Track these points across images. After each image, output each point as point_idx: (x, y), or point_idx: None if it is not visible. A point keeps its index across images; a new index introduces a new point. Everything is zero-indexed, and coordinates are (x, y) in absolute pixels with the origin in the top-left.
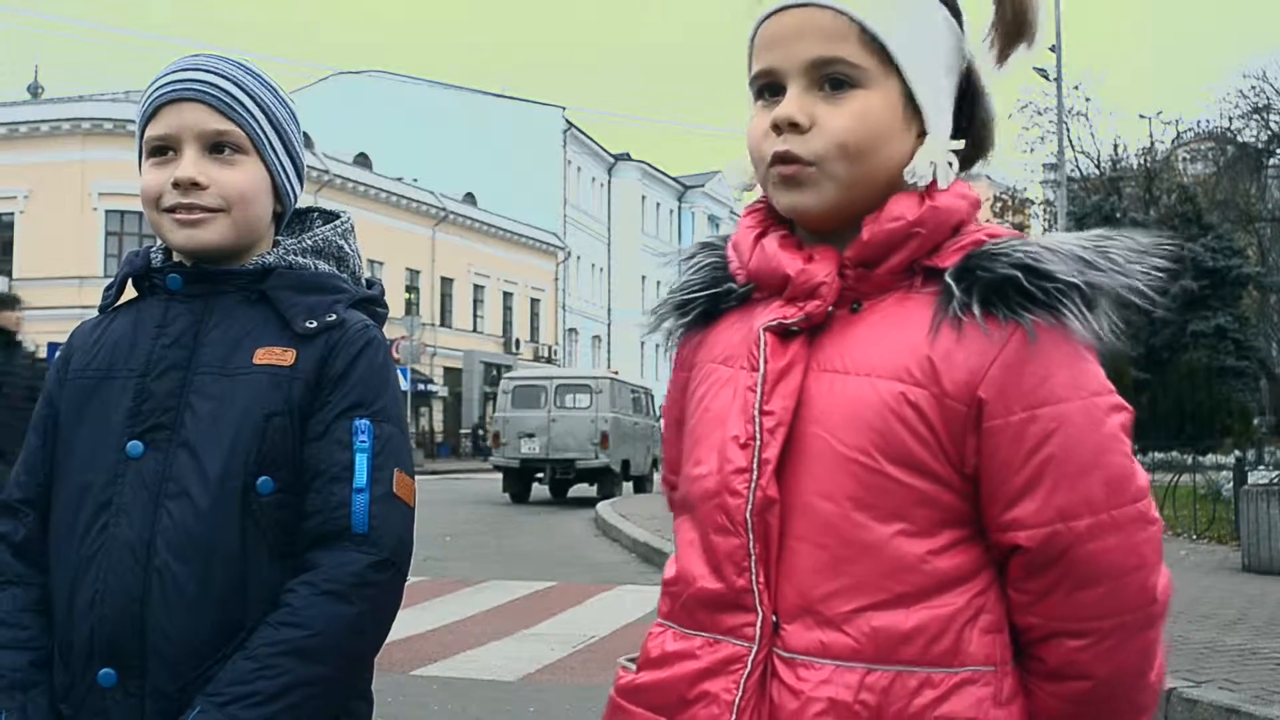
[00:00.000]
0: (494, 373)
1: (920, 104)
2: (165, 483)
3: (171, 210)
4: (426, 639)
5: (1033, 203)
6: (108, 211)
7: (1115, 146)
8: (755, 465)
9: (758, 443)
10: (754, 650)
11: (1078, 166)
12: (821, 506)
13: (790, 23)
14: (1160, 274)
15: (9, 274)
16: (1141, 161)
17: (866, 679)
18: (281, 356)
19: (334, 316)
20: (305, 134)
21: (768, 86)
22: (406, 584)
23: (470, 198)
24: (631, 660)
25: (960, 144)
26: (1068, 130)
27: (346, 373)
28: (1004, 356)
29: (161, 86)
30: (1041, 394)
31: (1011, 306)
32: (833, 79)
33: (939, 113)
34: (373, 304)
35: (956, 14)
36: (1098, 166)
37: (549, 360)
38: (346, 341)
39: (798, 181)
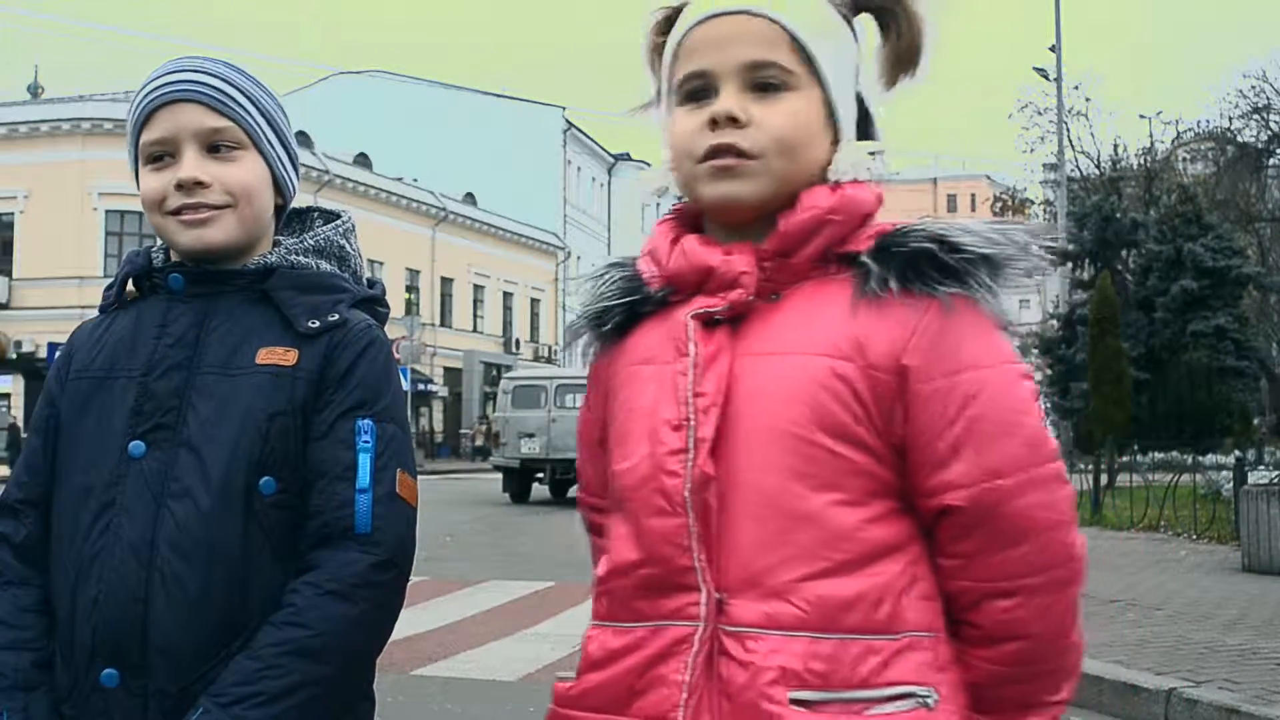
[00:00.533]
0: (494, 373)
1: (837, 113)
2: (168, 483)
3: (176, 212)
4: (427, 639)
5: (1033, 203)
6: (107, 211)
7: (1115, 146)
8: (691, 445)
9: (692, 423)
10: (700, 628)
11: (1078, 166)
12: (759, 480)
13: (725, 28)
14: (1052, 257)
15: (9, 274)
16: (1141, 161)
17: (813, 647)
18: (284, 356)
19: (336, 316)
20: (304, 134)
21: (698, 89)
22: (407, 584)
23: (470, 198)
24: (567, 676)
25: (876, 145)
26: (1068, 130)
27: (349, 373)
28: (923, 327)
29: (153, 90)
30: (961, 360)
31: (926, 281)
32: (765, 82)
33: (849, 124)
34: (374, 304)
35: (854, 39)
36: (1098, 166)
37: (549, 360)
38: (349, 341)
39: (736, 173)
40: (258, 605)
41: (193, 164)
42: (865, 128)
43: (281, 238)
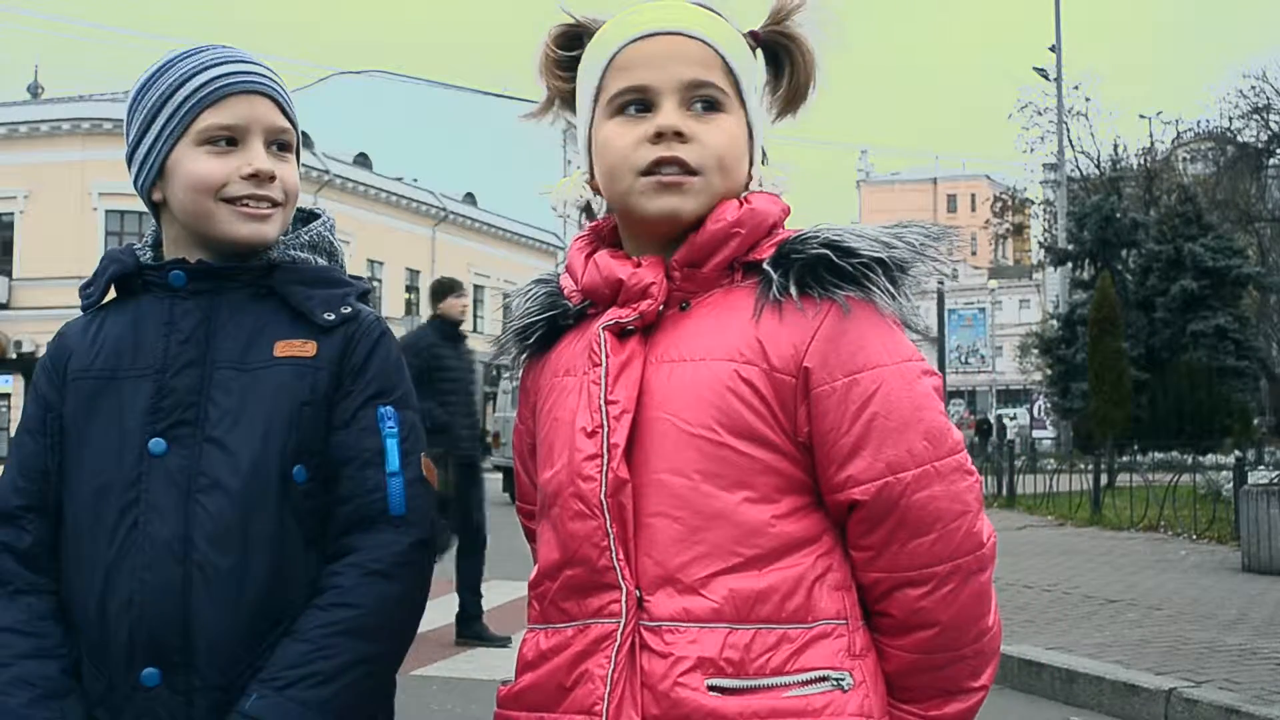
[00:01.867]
0: (494, 373)
1: (755, 135)
2: (195, 478)
3: (236, 201)
4: (427, 639)
5: (1033, 203)
6: (108, 211)
7: (1115, 146)
8: (605, 450)
9: (605, 430)
10: (621, 624)
11: (1078, 166)
12: (672, 482)
13: (663, 47)
14: (950, 258)
15: (9, 274)
16: (1141, 161)
17: (729, 638)
18: (302, 348)
19: (349, 309)
20: (305, 134)
21: (636, 102)
22: None
23: (470, 198)
24: (509, 680)
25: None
26: (1068, 130)
27: (367, 363)
28: (823, 330)
29: (225, 76)
30: (860, 360)
31: (824, 285)
32: (704, 100)
33: (758, 149)
34: (366, 298)
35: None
36: (1098, 166)
37: None
38: (363, 333)
39: (681, 189)
40: (295, 593)
41: (263, 158)
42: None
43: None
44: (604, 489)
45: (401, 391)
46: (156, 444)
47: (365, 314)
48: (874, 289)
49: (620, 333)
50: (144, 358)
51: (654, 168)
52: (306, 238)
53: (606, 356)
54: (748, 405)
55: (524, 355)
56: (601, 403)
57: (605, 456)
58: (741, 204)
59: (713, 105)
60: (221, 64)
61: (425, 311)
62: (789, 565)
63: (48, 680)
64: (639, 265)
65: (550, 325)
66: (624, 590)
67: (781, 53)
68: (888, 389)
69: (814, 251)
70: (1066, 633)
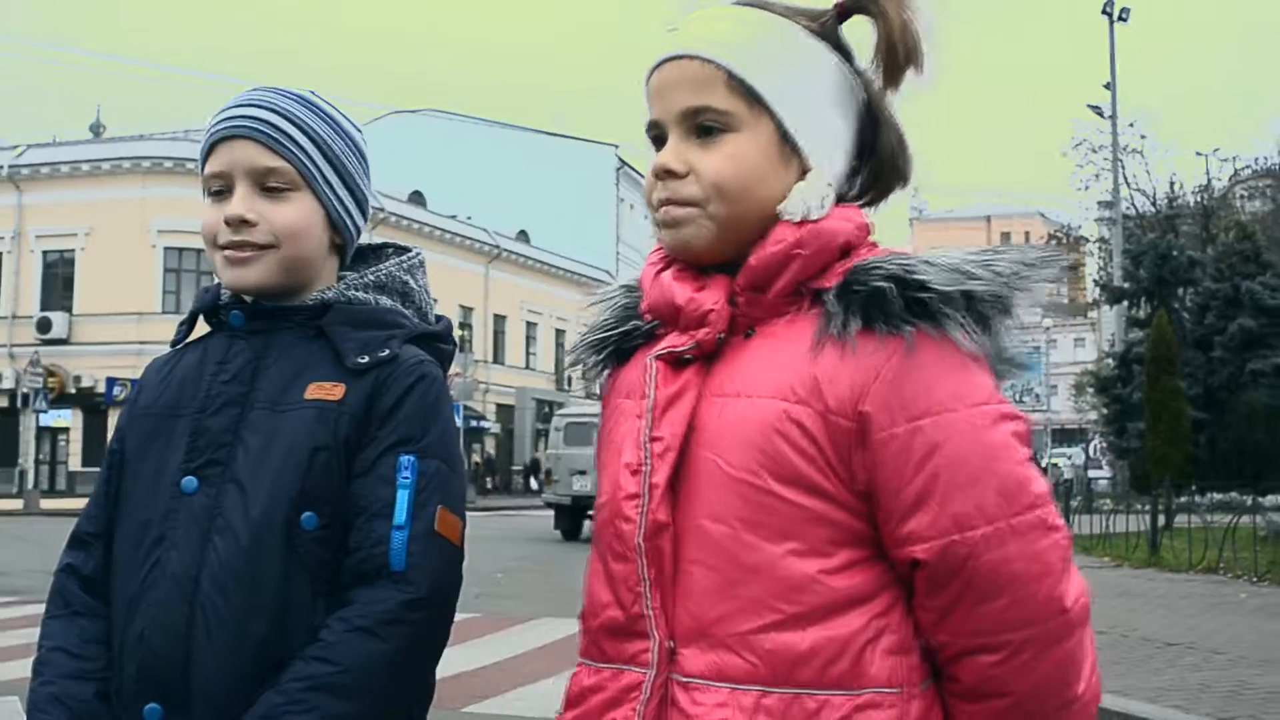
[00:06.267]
0: (546, 409)
1: (797, 142)
2: (215, 518)
3: (225, 248)
4: (477, 676)
5: (1087, 240)
6: (166, 249)
7: (1171, 184)
8: (645, 490)
9: (647, 468)
10: (651, 676)
11: (1133, 204)
12: (712, 529)
13: (668, 76)
14: (1053, 284)
15: (69, 310)
16: (1198, 199)
17: (763, 701)
18: (330, 391)
19: (386, 352)
20: None
21: (656, 138)
22: (457, 620)
23: (523, 235)
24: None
25: (825, 180)
26: (1123, 167)
27: (395, 409)
28: (886, 370)
29: (216, 124)
30: (924, 405)
31: (891, 320)
32: (703, 126)
33: (827, 149)
34: (436, 340)
35: (844, 50)
36: (1154, 204)
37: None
38: (397, 377)
39: (679, 223)
40: (297, 641)
41: (240, 201)
42: (874, 141)
43: (347, 272)
44: (641, 532)
45: (430, 440)
46: (188, 482)
47: (405, 358)
48: (951, 324)
49: (676, 361)
50: (197, 396)
51: (660, 206)
52: (372, 277)
53: (655, 389)
54: (796, 449)
55: (602, 368)
56: (645, 439)
57: (645, 497)
58: (803, 223)
59: (712, 130)
60: (222, 111)
61: (479, 349)
62: (837, 625)
63: (81, 703)
64: (701, 288)
65: (622, 340)
66: (655, 640)
67: (869, 14)
68: (956, 437)
69: (876, 284)
70: (1124, 676)
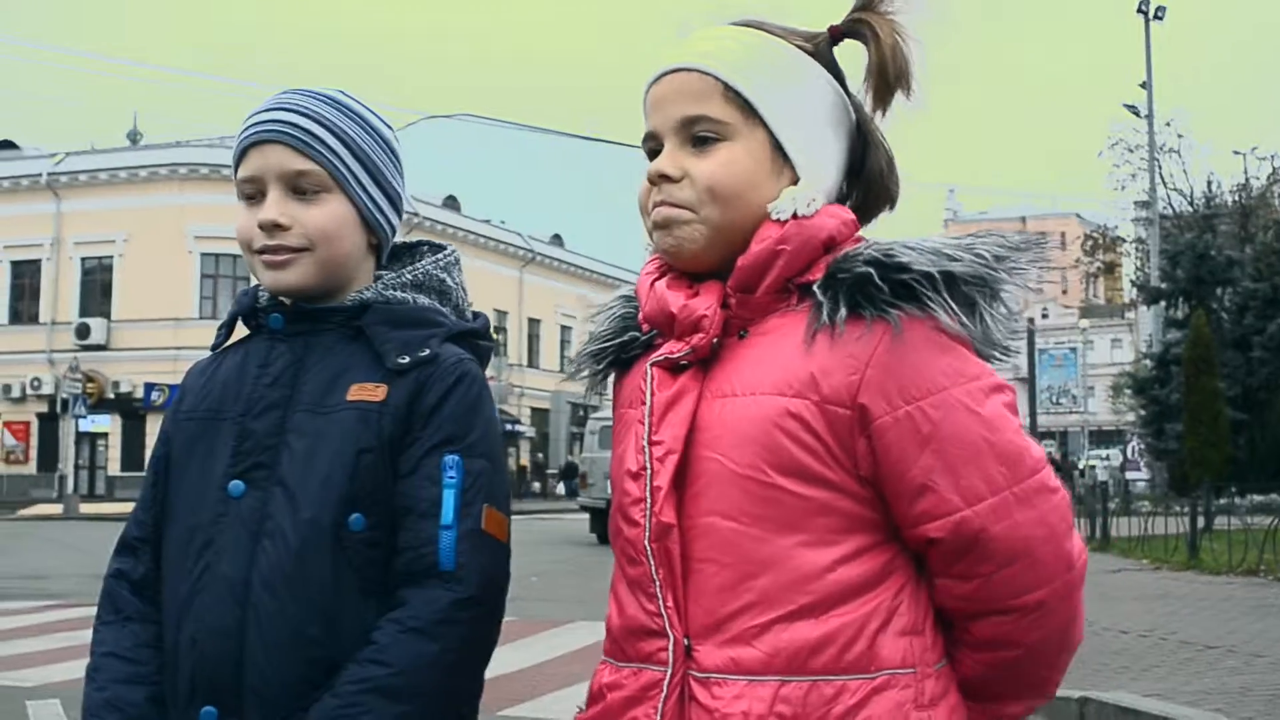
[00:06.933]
0: (581, 413)
1: (789, 153)
2: (263, 521)
3: (260, 252)
4: (514, 679)
5: (1124, 240)
6: (203, 254)
7: (1209, 183)
8: (648, 494)
9: (649, 472)
10: (669, 673)
11: (1170, 204)
12: (720, 526)
13: (666, 87)
14: (1036, 267)
15: (108, 316)
16: (1236, 198)
17: (781, 691)
18: (373, 392)
19: (427, 351)
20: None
21: (653, 149)
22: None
23: (558, 239)
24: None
25: (812, 188)
26: (1159, 167)
27: (438, 408)
28: (877, 356)
29: (247, 129)
30: (921, 385)
31: (877, 304)
32: (699, 135)
33: (818, 162)
34: (475, 337)
35: (837, 72)
36: (1191, 203)
37: None
38: (439, 376)
39: (672, 227)
40: (348, 642)
41: (273, 206)
42: (863, 161)
43: (383, 272)
44: (648, 534)
45: (474, 438)
46: (235, 486)
47: (446, 357)
48: (934, 306)
49: (674, 367)
50: (240, 400)
51: (654, 208)
52: (409, 276)
53: (652, 394)
54: (797, 442)
55: (605, 376)
56: (645, 444)
57: (649, 500)
58: (786, 221)
59: (707, 138)
60: (252, 116)
61: (513, 352)
62: (849, 611)
63: (134, 706)
64: (694, 295)
65: (620, 350)
66: (671, 638)
67: (860, 38)
68: (953, 414)
69: (859, 270)
70: (1164, 679)
